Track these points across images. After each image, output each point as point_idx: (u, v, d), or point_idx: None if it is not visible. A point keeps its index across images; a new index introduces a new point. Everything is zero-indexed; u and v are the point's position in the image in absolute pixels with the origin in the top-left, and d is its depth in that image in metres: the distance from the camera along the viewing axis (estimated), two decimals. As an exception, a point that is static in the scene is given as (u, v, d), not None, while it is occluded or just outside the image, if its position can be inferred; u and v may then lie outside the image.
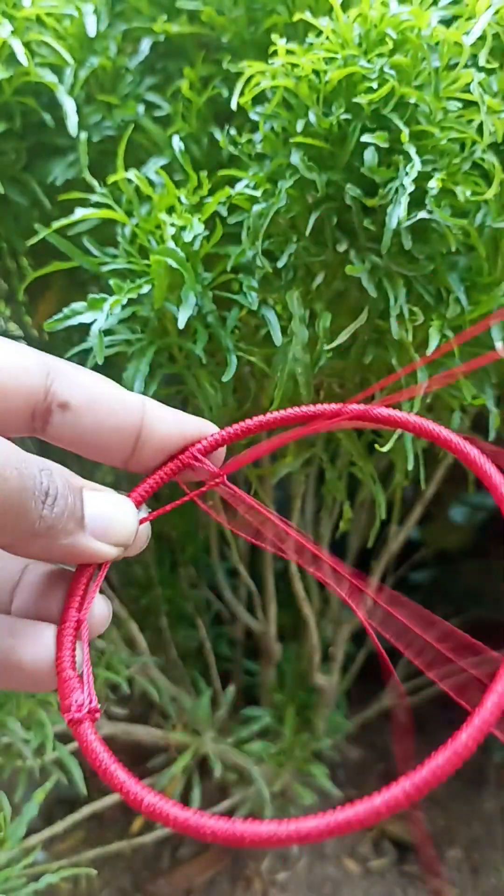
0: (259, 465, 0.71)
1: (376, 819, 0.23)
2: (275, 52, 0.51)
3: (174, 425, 0.32)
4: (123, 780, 0.26)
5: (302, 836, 0.23)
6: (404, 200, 0.46)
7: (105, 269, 0.54)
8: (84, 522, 0.29)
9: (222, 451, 0.34)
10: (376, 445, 0.55)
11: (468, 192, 0.49)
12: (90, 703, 0.28)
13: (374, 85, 0.48)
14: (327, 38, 0.50)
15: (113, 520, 0.30)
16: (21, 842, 0.70)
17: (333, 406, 0.34)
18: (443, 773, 0.24)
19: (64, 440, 0.30)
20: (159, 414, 0.31)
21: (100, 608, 0.31)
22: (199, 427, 0.33)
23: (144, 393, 0.52)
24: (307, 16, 0.53)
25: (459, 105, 0.51)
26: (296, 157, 0.50)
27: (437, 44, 0.50)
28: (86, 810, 0.80)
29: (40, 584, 0.32)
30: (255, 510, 0.35)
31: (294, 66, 0.50)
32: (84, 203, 0.56)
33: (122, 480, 0.87)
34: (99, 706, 0.28)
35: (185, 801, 0.85)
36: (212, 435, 0.33)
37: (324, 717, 0.94)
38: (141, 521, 0.32)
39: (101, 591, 0.31)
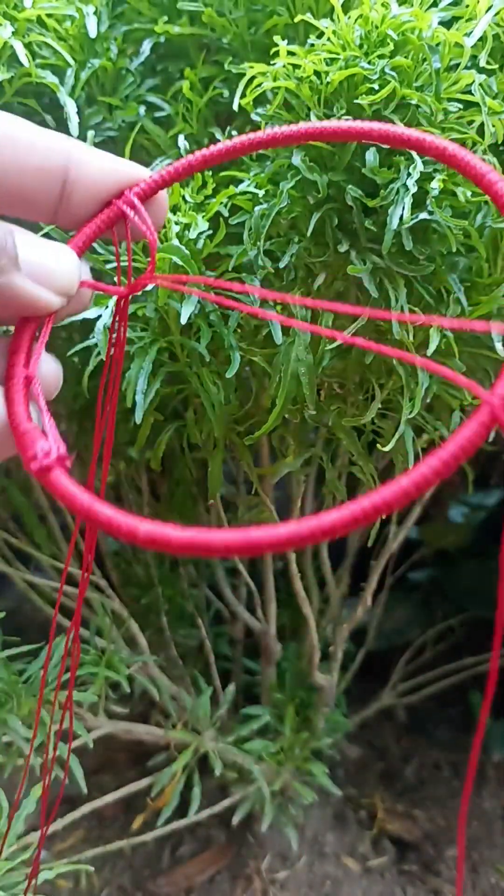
0: (259, 466, 0.71)
1: (405, 500, 0.21)
2: (276, 54, 0.52)
3: (105, 166, 0.29)
4: (111, 515, 0.23)
5: (326, 531, 0.21)
6: (407, 201, 0.47)
7: (108, 266, 0.54)
8: (18, 262, 0.26)
9: (163, 197, 0.31)
10: (377, 445, 0.55)
11: (469, 193, 0.50)
12: (58, 449, 0.25)
13: (376, 86, 0.48)
14: (328, 39, 0.50)
15: (51, 263, 0.27)
16: (20, 839, 0.70)
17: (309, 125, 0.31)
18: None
19: None
20: (88, 156, 0.29)
21: (49, 367, 0.28)
22: (133, 170, 0.30)
23: (147, 392, 0.52)
24: (308, 17, 0.53)
25: (460, 106, 0.51)
26: (297, 158, 0.50)
27: (437, 45, 0.50)
28: (86, 808, 0.80)
29: None
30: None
31: (295, 67, 0.50)
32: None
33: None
34: (68, 454, 0.25)
35: (185, 799, 0.85)
36: (150, 176, 0.30)
37: (323, 716, 0.94)
38: (82, 284, 0.29)
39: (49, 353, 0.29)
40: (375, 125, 0.31)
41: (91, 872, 0.89)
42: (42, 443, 0.25)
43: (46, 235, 0.29)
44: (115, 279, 0.31)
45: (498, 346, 0.54)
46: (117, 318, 0.34)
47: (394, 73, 0.48)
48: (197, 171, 0.31)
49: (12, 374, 0.27)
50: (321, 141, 0.33)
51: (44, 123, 0.61)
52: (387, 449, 0.54)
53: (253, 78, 0.53)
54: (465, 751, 1.10)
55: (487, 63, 0.52)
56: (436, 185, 0.47)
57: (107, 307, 0.50)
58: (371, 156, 0.48)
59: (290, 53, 0.51)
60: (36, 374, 0.27)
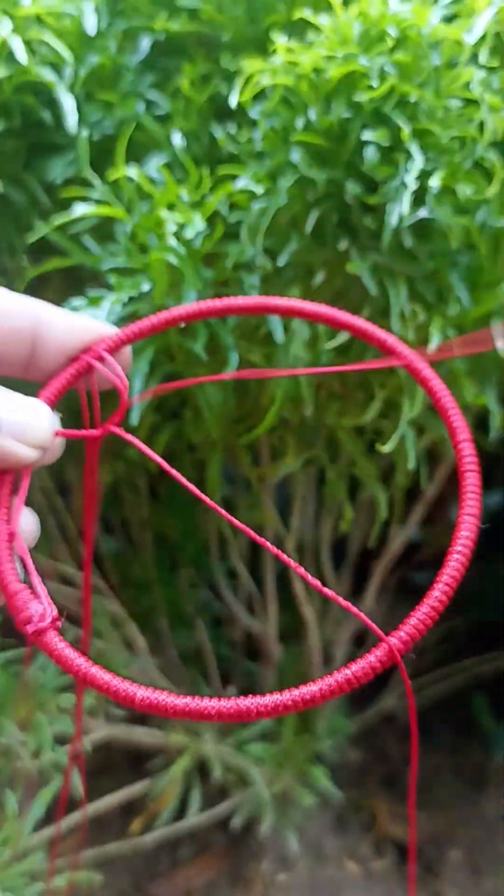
0: (258, 466, 0.71)
1: (371, 676, 0.24)
2: (275, 50, 0.51)
3: (71, 325, 0.31)
4: (107, 679, 0.25)
5: (307, 700, 0.23)
6: (407, 198, 0.46)
7: (105, 266, 0.54)
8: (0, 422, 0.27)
9: (128, 352, 0.32)
10: (377, 445, 0.55)
11: (469, 191, 0.49)
12: (51, 611, 0.26)
13: (375, 83, 0.48)
14: (327, 35, 0.50)
15: (28, 419, 0.28)
16: (21, 842, 0.70)
17: (240, 300, 0.34)
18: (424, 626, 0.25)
19: None
20: (55, 316, 0.31)
21: (27, 520, 0.29)
22: (98, 328, 0.32)
23: (144, 389, 0.52)
24: (307, 13, 0.53)
25: (460, 103, 0.51)
26: (296, 155, 0.49)
27: (437, 42, 0.50)
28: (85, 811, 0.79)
29: None
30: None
31: (294, 63, 0.50)
32: (84, 201, 0.56)
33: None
34: (58, 614, 0.26)
35: (184, 802, 0.84)
36: (115, 334, 0.32)
37: (324, 719, 0.94)
38: (57, 433, 0.30)
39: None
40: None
41: (95, 879, 0.89)
42: (35, 605, 0.26)
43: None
44: (83, 420, 0.33)
45: (499, 344, 0.54)
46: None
47: (393, 70, 0.48)
48: (157, 332, 0.33)
49: None
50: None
51: (42, 120, 0.61)
52: (387, 449, 0.53)
53: (251, 74, 0.53)
54: (467, 754, 1.10)
55: (488, 60, 0.52)
56: (436, 183, 0.47)
57: (101, 307, 0.49)
58: (370, 153, 0.48)
59: (289, 50, 0.51)
60: (17, 529, 0.28)
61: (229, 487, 0.89)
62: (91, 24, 0.61)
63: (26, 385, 0.30)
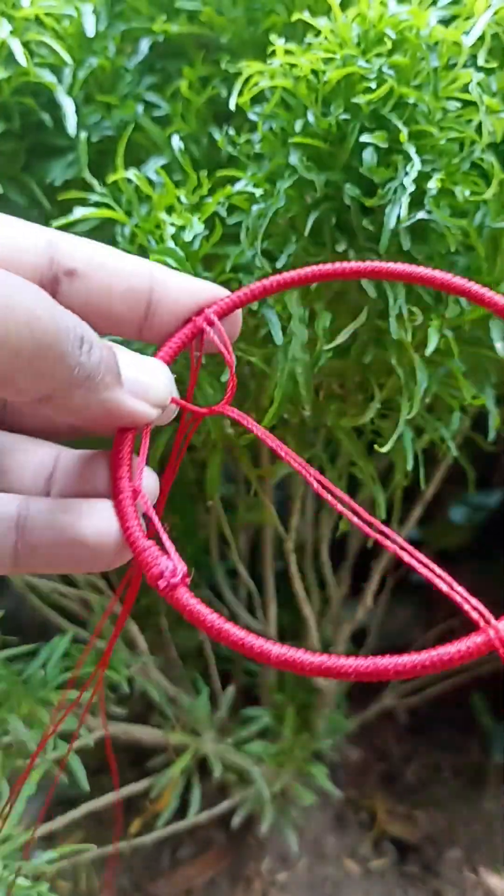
0: (258, 466, 0.71)
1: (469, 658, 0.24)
2: (273, 52, 0.51)
3: (186, 287, 0.31)
4: (242, 635, 0.25)
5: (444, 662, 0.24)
6: (405, 200, 0.46)
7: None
8: (121, 378, 0.28)
9: (238, 315, 0.33)
10: (376, 445, 0.55)
11: (467, 192, 0.49)
12: (181, 567, 0.26)
13: (373, 85, 0.48)
14: (326, 38, 0.50)
15: (150, 378, 0.29)
16: (18, 838, 0.70)
17: (353, 264, 0.34)
18: None
19: (74, 311, 0.28)
20: (169, 276, 0.31)
21: (149, 480, 0.30)
22: (212, 290, 0.32)
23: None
24: (306, 16, 0.53)
25: (458, 105, 0.51)
26: (294, 158, 0.50)
27: (435, 44, 0.50)
28: (85, 809, 0.80)
29: (78, 466, 0.30)
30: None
31: (293, 66, 0.50)
32: (83, 203, 0.56)
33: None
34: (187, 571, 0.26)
35: (184, 801, 0.85)
36: (227, 296, 0.32)
37: (324, 718, 0.94)
38: (172, 400, 0.30)
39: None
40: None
41: (95, 871, 0.89)
42: (165, 561, 0.26)
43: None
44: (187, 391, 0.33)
45: (498, 345, 0.54)
46: (185, 433, 0.36)
47: (391, 72, 0.48)
48: (273, 293, 0.34)
49: (120, 487, 0.28)
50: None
51: (41, 122, 0.61)
52: (385, 449, 0.53)
53: (250, 77, 0.53)
54: (466, 752, 1.10)
55: (486, 61, 0.52)
56: (434, 185, 0.47)
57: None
58: (369, 155, 0.48)
59: (288, 52, 0.51)
60: (141, 486, 0.28)
61: (229, 487, 0.89)
62: (90, 26, 0.61)
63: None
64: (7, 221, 0.28)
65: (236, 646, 0.25)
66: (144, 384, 0.29)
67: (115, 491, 0.28)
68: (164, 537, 0.27)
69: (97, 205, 0.55)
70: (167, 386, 0.30)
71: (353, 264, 0.34)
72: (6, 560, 0.28)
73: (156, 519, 0.28)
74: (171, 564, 0.26)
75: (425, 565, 0.28)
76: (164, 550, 0.27)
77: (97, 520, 0.28)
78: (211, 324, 0.31)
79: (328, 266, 0.34)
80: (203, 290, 0.32)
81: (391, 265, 0.34)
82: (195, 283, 0.32)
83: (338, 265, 0.34)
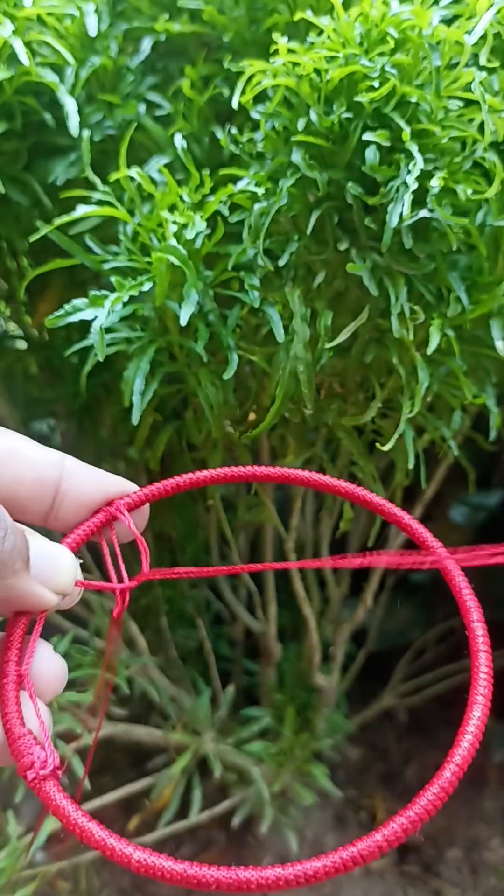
0: (259, 465, 0.71)
1: (377, 855, 0.23)
2: (276, 51, 0.51)
3: (94, 480, 0.32)
4: (103, 837, 0.24)
5: (309, 877, 0.22)
6: (407, 198, 0.46)
7: (106, 266, 0.54)
8: (29, 564, 0.28)
9: (146, 509, 0.33)
10: (377, 444, 0.55)
11: (469, 191, 0.49)
12: (53, 759, 0.25)
13: (376, 84, 0.48)
14: (328, 37, 0.50)
15: (55, 564, 0.29)
16: (19, 839, 0.70)
17: (264, 469, 0.36)
18: (431, 810, 0.24)
19: None
20: (79, 469, 0.31)
21: (50, 665, 0.29)
22: (120, 484, 0.32)
23: (145, 392, 0.52)
24: (308, 15, 0.53)
25: (460, 104, 0.51)
26: (297, 156, 0.50)
27: (438, 43, 0.50)
28: (85, 809, 0.79)
29: None
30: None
31: (295, 64, 0.50)
32: (86, 202, 0.56)
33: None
34: (60, 764, 0.26)
35: (184, 800, 0.85)
36: (136, 492, 0.33)
37: (324, 718, 0.94)
38: (77, 584, 0.30)
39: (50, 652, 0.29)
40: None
41: (95, 871, 0.89)
42: (37, 751, 0.25)
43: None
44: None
45: (498, 344, 0.54)
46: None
47: (394, 71, 0.48)
48: (180, 491, 0.34)
49: (5, 671, 0.27)
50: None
51: (43, 122, 0.61)
52: (386, 448, 0.53)
53: (253, 76, 0.53)
54: (466, 752, 1.10)
55: (488, 60, 0.52)
56: (436, 183, 0.47)
57: (102, 307, 0.49)
58: (371, 153, 0.48)
59: (290, 51, 0.51)
60: (28, 671, 0.28)
61: (229, 487, 0.89)
62: (92, 26, 0.61)
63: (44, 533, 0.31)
64: None
65: (98, 847, 0.24)
66: (51, 571, 0.29)
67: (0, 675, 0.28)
68: (41, 727, 0.26)
69: (100, 203, 0.55)
70: (71, 573, 0.30)
71: (266, 470, 0.36)
72: None
73: (39, 706, 0.27)
74: (42, 755, 0.25)
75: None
76: (38, 741, 0.26)
77: None
78: (116, 518, 0.32)
79: (237, 469, 0.36)
80: (112, 484, 0.32)
81: (297, 473, 0.36)
82: (104, 477, 0.32)
83: (246, 469, 0.36)
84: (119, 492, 0.32)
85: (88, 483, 0.31)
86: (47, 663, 0.29)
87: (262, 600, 0.89)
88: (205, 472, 0.35)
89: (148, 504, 0.33)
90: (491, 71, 0.53)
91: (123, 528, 0.32)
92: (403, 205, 0.46)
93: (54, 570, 0.29)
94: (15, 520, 0.29)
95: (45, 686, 0.28)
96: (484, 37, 0.52)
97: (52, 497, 0.31)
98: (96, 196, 0.55)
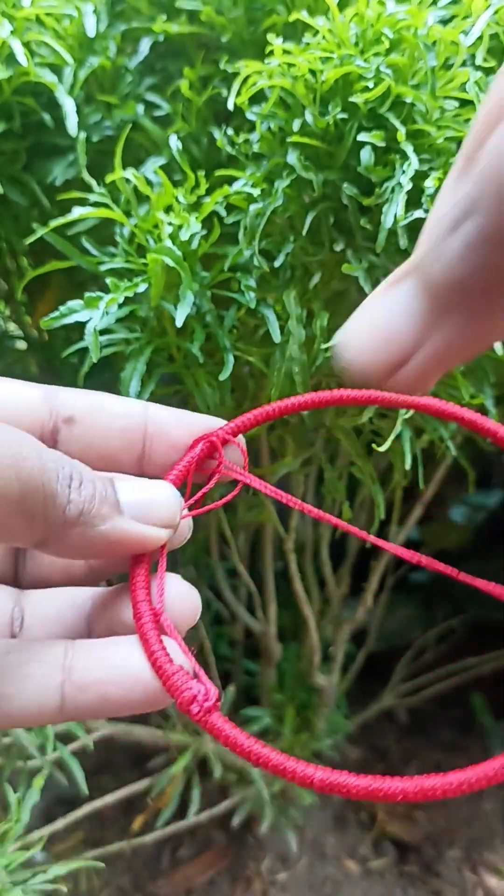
0: (258, 465, 0.71)
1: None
2: (272, 52, 0.52)
3: (180, 420, 0.32)
4: (282, 760, 0.24)
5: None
6: (402, 198, 0.46)
7: (103, 268, 0.54)
8: (120, 506, 0.27)
9: (241, 441, 0.33)
10: (374, 445, 0.55)
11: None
12: (214, 691, 0.25)
13: (371, 84, 0.48)
14: (324, 37, 0.50)
15: (153, 500, 0.29)
16: (20, 839, 0.70)
17: (350, 392, 0.34)
18: None
19: (73, 455, 0.29)
20: (162, 412, 0.32)
21: (180, 597, 0.29)
22: (206, 421, 0.32)
23: (141, 393, 0.52)
24: (304, 15, 0.53)
25: (456, 104, 0.51)
26: (292, 157, 0.50)
27: (433, 43, 0.50)
28: (85, 809, 0.80)
29: (107, 600, 0.30)
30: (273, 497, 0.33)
31: (290, 65, 0.50)
32: (83, 203, 0.56)
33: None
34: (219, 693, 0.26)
35: (184, 801, 0.85)
36: (227, 424, 0.32)
37: (324, 718, 0.94)
38: (183, 516, 0.30)
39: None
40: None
41: (95, 871, 0.89)
42: (196, 685, 0.25)
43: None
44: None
45: (497, 345, 0.54)
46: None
47: (389, 71, 0.48)
48: (270, 420, 0.34)
49: (139, 611, 0.27)
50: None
51: (42, 122, 0.61)
52: (383, 449, 0.53)
53: (248, 76, 0.53)
54: (466, 752, 1.10)
55: (484, 60, 0.52)
56: (431, 184, 0.47)
57: (97, 308, 0.50)
58: (366, 154, 0.48)
59: (286, 52, 0.51)
60: (164, 608, 0.27)
61: (228, 488, 0.89)
62: (91, 26, 0.61)
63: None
64: (5, 380, 0.30)
65: (277, 770, 0.24)
66: (148, 507, 0.28)
67: (134, 616, 0.27)
68: (191, 661, 0.26)
69: (96, 205, 0.55)
70: (173, 504, 0.29)
71: (354, 393, 0.35)
72: (51, 704, 0.27)
73: (180, 642, 0.27)
74: (202, 688, 0.25)
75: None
76: (193, 675, 0.26)
77: (125, 657, 0.27)
78: (225, 442, 0.32)
79: (328, 393, 0.35)
80: (198, 422, 0.32)
81: (394, 396, 0.34)
82: (189, 416, 0.32)
83: (340, 392, 0.35)
84: (206, 428, 0.32)
85: (174, 424, 0.32)
86: (178, 596, 0.29)
87: (262, 600, 0.89)
88: (292, 399, 0.34)
89: (242, 437, 0.33)
90: (487, 71, 0.52)
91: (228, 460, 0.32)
92: (399, 205, 0.46)
93: (153, 505, 0.28)
94: (110, 471, 0.30)
95: (181, 617, 0.28)
96: (480, 37, 0.52)
97: (141, 444, 0.31)
98: (93, 198, 0.55)
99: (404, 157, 0.47)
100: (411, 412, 0.52)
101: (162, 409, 0.32)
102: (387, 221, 0.47)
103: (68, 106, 0.59)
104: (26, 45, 0.58)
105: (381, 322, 0.23)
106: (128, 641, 0.27)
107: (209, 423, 0.32)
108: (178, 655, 0.27)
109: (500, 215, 0.19)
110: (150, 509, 0.28)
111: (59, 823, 0.79)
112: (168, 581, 0.29)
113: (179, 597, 0.29)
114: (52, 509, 0.25)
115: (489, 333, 0.22)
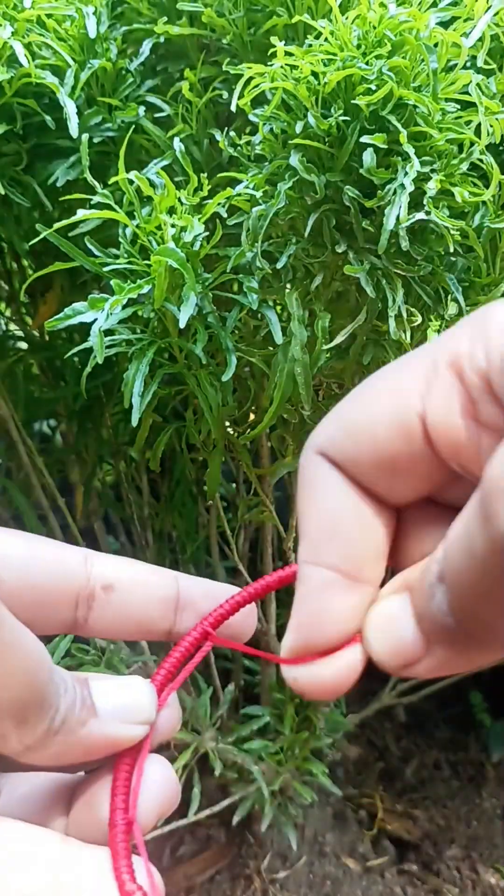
0: (259, 466, 0.71)
1: None
2: (274, 54, 0.52)
3: (206, 593, 0.32)
4: None
5: None
6: (404, 201, 0.47)
7: (106, 269, 0.54)
8: (95, 709, 0.28)
9: (252, 611, 0.33)
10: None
11: (466, 193, 0.50)
12: None
13: (373, 86, 0.48)
14: (326, 39, 0.50)
15: (124, 699, 0.29)
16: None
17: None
18: None
19: (106, 623, 0.30)
20: (191, 583, 0.32)
21: (161, 781, 0.29)
22: (229, 591, 0.32)
23: (144, 393, 0.52)
24: (306, 18, 0.53)
25: (458, 106, 0.51)
26: (295, 159, 0.50)
27: (435, 45, 0.50)
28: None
29: (81, 796, 0.30)
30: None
31: (293, 67, 0.50)
32: (85, 204, 0.56)
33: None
34: None
35: (184, 799, 0.85)
36: (222, 604, 0.32)
37: (323, 716, 0.94)
38: (160, 706, 0.30)
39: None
40: None
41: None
42: None
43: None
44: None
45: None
46: None
47: (391, 74, 0.48)
48: (260, 597, 0.33)
49: (113, 820, 0.28)
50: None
51: (43, 124, 0.61)
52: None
53: (251, 79, 0.53)
54: (464, 750, 1.10)
55: (485, 63, 0.52)
56: (433, 186, 0.47)
57: (102, 310, 0.50)
58: (368, 156, 0.48)
59: (288, 54, 0.51)
60: (136, 824, 0.28)
61: (229, 487, 0.90)
62: (92, 28, 0.61)
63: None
64: (47, 542, 0.30)
65: None
66: (119, 704, 0.29)
67: (109, 824, 0.28)
68: (151, 879, 0.27)
69: (99, 206, 0.55)
70: (143, 700, 0.29)
71: None
72: None
73: (146, 860, 0.27)
74: None
75: None
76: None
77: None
78: (216, 626, 0.32)
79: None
80: (224, 592, 0.32)
81: None
82: (215, 588, 0.32)
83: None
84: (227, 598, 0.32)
85: (202, 595, 0.32)
86: (158, 785, 0.29)
87: (261, 599, 0.89)
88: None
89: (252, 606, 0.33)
90: (488, 73, 0.53)
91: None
92: (401, 207, 0.47)
93: (125, 704, 0.29)
94: (141, 640, 0.31)
95: (159, 808, 0.29)
96: (481, 39, 0.52)
97: (173, 614, 0.32)
98: (95, 199, 0.55)
99: (406, 159, 0.47)
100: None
101: (189, 578, 0.32)
102: (388, 223, 0.47)
103: (70, 108, 0.59)
104: (27, 46, 0.58)
105: (387, 631, 0.25)
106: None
107: (229, 594, 0.32)
108: (142, 873, 0.27)
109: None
110: (123, 707, 0.29)
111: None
112: (150, 771, 0.29)
113: (158, 786, 0.29)
114: (43, 721, 0.26)
115: (477, 661, 0.24)
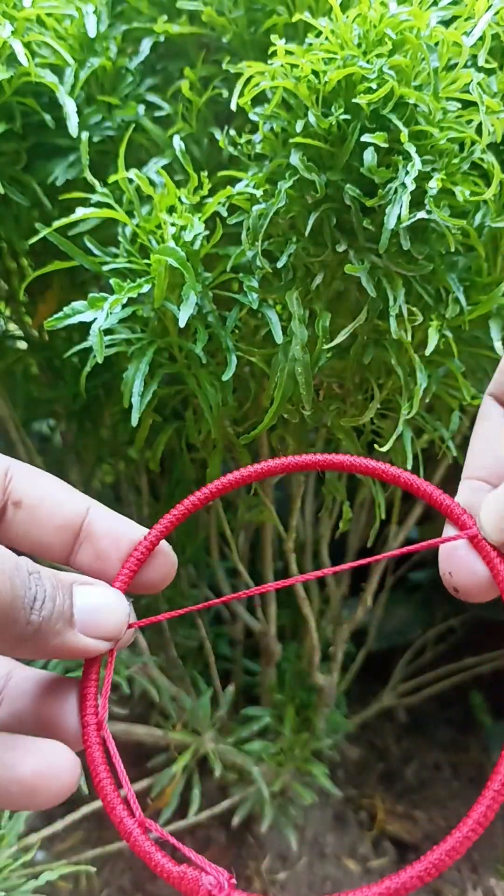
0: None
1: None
2: (274, 53, 0.52)
3: (109, 530, 0.33)
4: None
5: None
6: (405, 200, 0.46)
7: (106, 268, 0.54)
8: (73, 620, 0.29)
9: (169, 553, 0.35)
10: (375, 445, 0.55)
11: (467, 192, 0.50)
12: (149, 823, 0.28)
13: (374, 85, 0.48)
14: (326, 38, 0.50)
15: (102, 613, 0.30)
16: (20, 840, 0.70)
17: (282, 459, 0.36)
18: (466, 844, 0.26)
19: (8, 541, 0.30)
20: (99, 518, 0.33)
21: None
22: (133, 531, 0.34)
23: (144, 393, 0.52)
24: (306, 16, 0.53)
25: (458, 105, 0.51)
26: (295, 158, 0.50)
27: (436, 44, 0.50)
28: (85, 810, 0.80)
29: (36, 689, 0.32)
30: None
31: (293, 66, 0.50)
32: (85, 203, 0.56)
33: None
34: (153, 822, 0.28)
35: (184, 800, 0.85)
36: (156, 526, 0.34)
37: (323, 717, 0.94)
38: (130, 625, 0.32)
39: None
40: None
41: (91, 873, 0.89)
42: (129, 822, 0.29)
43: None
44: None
45: (497, 345, 0.54)
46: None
47: (392, 73, 0.48)
48: (193, 512, 0.36)
49: (85, 723, 0.30)
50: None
51: (43, 123, 0.61)
52: (384, 449, 0.53)
53: (251, 77, 0.53)
54: (465, 751, 1.10)
55: (486, 61, 0.52)
56: (434, 185, 0.47)
57: (101, 309, 0.50)
58: (369, 155, 0.48)
59: (289, 53, 0.51)
60: (105, 715, 0.31)
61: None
62: (91, 27, 0.61)
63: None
64: None
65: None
66: (97, 619, 0.30)
67: (81, 724, 0.31)
68: (123, 779, 0.29)
69: (98, 205, 0.55)
70: (119, 619, 0.31)
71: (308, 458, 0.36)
72: None
73: (118, 761, 0.30)
74: (137, 817, 0.29)
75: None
76: (128, 806, 0.29)
77: (38, 759, 0.28)
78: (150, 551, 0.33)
79: (290, 459, 0.36)
80: (126, 532, 0.33)
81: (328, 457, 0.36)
82: (120, 526, 0.33)
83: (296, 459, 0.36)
84: (132, 540, 0.33)
85: (103, 534, 0.33)
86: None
87: (261, 600, 0.89)
88: (224, 479, 0.37)
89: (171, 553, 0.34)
90: (489, 72, 0.53)
91: (156, 569, 0.34)
92: (401, 206, 0.47)
93: (102, 619, 0.30)
94: (41, 558, 0.32)
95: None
96: (482, 38, 0.52)
97: (72, 544, 0.33)
98: (95, 198, 0.55)
99: (407, 157, 0.47)
100: (413, 412, 0.52)
101: (100, 513, 0.33)
102: (389, 222, 0.47)
103: (69, 106, 0.59)
104: (27, 45, 0.58)
105: (497, 510, 0.32)
106: (33, 748, 0.29)
107: (136, 533, 0.34)
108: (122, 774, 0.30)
109: None
110: (100, 621, 0.30)
111: (59, 824, 0.79)
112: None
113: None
114: (11, 630, 0.27)
115: None
